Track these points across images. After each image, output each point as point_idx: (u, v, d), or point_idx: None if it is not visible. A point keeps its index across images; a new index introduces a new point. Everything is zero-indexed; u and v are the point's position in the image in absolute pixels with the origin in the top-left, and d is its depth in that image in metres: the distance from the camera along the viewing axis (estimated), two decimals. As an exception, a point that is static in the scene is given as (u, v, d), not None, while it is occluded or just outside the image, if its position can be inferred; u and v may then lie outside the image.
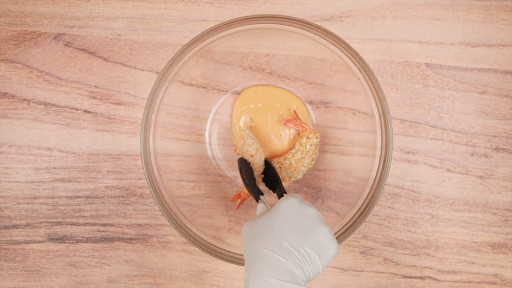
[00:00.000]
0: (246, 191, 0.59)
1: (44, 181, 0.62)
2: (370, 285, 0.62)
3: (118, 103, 0.61)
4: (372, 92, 0.53)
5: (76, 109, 0.62)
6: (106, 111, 0.61)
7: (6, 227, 0.62)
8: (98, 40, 0.62)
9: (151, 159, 0.54)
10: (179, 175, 0.60)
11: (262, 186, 0.59)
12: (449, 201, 0.61)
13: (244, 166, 0.56)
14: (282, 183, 0.59)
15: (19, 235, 0.62)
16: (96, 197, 0.62)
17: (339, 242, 0.52)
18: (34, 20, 0.62)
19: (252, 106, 0.60)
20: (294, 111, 0.60)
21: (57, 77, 0.62)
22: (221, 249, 0.53)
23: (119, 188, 0.62)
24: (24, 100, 0.62)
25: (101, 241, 0.62)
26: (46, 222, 0.62)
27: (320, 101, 0.61)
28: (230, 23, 0.52)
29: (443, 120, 0.61)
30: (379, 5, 0.61)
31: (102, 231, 0.62)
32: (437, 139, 0.61)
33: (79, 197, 0.62)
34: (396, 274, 0.62)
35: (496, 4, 0.61)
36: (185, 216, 0.55)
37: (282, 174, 0.59)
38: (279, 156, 0.60)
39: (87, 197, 0.62)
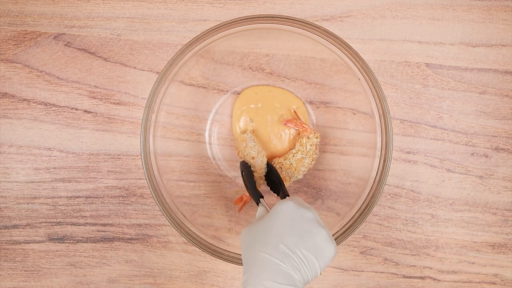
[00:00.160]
0: (247, 194, 0.59)
1: (44, 181, 0.62)
2: (370, 285, 0.62)
3: (118, 103, 0.61)
4: (372, 92, 0.53)
5: (76, 109, 0.62)
6: (106, 111, 0.61)
7: (6, 227, 0.62)
8: (98, 40, 0.62)
9: (151, 159, 0.54)
10: (179, 175, 0.60)
11: (264, 187, 0.59)
12: (449, 201, 0.61)
13: (245, 169, 0.57)
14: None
15: (19, 235, 0.62)
16: (96, 197, 0.62)
17: (339, 242, 0.52)
18: (34, 20, 0.62)
19: (252, 106, 0.60)
20: (294, 111, 0.60)
21: (57, 77, 0.62)
22: (221, 249, 0.53)
23: (119, 188, 0.62)
24: (24, 100, 0.62)
25: (101, 241, 0.62)
26: (46, 222, 0.62)
27: (320, 101, 0.61)
28: (230, 23, 0.52)
29: (443, 120, 0.61)
30: (379, 5, 0.61)
31: (102, 231, 0.62)
32: (437, 139, 0.61)
33: (79, 197, 0.62)
34: (396, 274, 0.62)
35: (496, 4, 0.61)
36: (185, 216, 0.55)
37: (282, 174, 0.59)
38: (279, 156, 0.60)
39: (87, 197, 0.62)
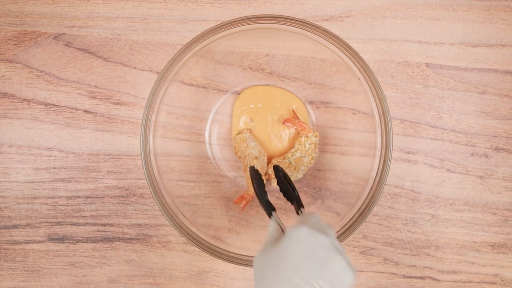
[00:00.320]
0: (249, 192, 0.59)
1: (44, 181, 0.62)
2: (370, 285, 0.62)
3: (118, 103, 0.61)
4: (372, 92, 0.53)
5: (76, 109, 0.62)
6: (106, 111, 0.61)
7: (6, 227, 0.62)
8: (98, 40, 0.62)
9: (151, 159, 0.54)
10: (179, 175, 0.60)
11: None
12: (449, 201, 0.61)
13: (256, 177, 0.53)
14: None
15: (19, 235, 0.62)
16: (96, 197, 0.62)
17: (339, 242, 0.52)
18: (34, 20, 0.62)
19: (252, 106, 0.60)
20: (293, 111, 0.60)
21: (57, 77, 0.62)
22: (221, 249, 0.53)
23: (119, 188, 0.62)
24: (24, 100, 0.62)
25: (101, 241, 0.62)
26: (46, 222, 0.62)
27: (320, 101, 0.61)
28: (230, 23, 0.52)
29: (443, 120, 0.61)
30: (379, 5, 0.61)
31: (102, 231, 0.62)
32: (437, 139, 0.61)
33: (79, 197, 0.62)
34: (396, 274, 0.62)
35: (496, 4, 0.61)
36: (185, 216, 0.55)
37: (282, 174, 0.59)
38: (279, 156, 0.60)
39: (87, 197, 0.62)
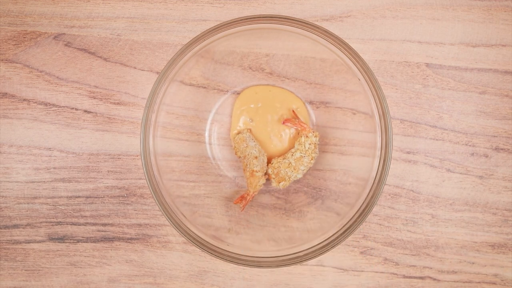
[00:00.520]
0: (249, 192, 0.59)
1: (44, 181, 0.62)
2: (370, 285, 0.62)
3: (118, 103, 0.61)
4: (372, 92, 0.53)
5: (76, 109, 0.62)
6: (106, 111, 0.62)
7: (6, 227, 0.62)
8: (98, 40, 0.62)
9: (151, 159, 0.54)
10: (179, 175, 0.60)
11: (264, 187, 0.59)
12: (449, 201, 0.61)
13: None
14: (282, 183, 0.59)
15: (19, 235, 0.62)
16: (96, 197, 0.62)
17: (339, 242, 0.52)
18: (34, 20, 0.62)
19: (252, 106, 0.60)
20: (293, 111, 0.60)
21: (57, 77, 0.62)
22: (221, 249, 0.53)
23: (119, 188, 0.62)
24: (24, 100, 0.62)
25: (101, 241, 0.62)
26: (46, 222, 0.62)
27: (320, 101, 0.61)
28: (230, 23, 0.52)
29: (443, 120, 0.61)
30: (379, 5, 0.61)
31: (102, 231, 0.62)
32: (437, 139, 0.61)
33: (79, 197, 0.62)
34: (396, 274, 0.62)
35: (496, 4, 0.61)
36: (185, 216, 0.55)
37: (282, 174, 0.59)
38: (279, 156, 0.60)
39: (87, 197, 0.62)
